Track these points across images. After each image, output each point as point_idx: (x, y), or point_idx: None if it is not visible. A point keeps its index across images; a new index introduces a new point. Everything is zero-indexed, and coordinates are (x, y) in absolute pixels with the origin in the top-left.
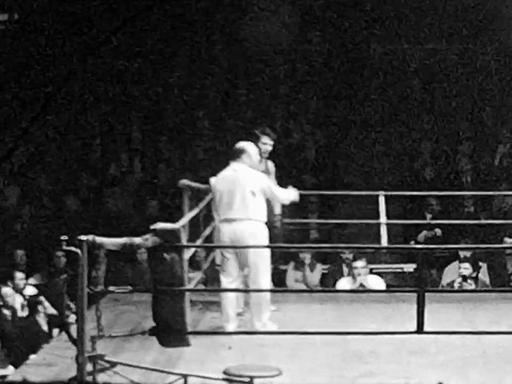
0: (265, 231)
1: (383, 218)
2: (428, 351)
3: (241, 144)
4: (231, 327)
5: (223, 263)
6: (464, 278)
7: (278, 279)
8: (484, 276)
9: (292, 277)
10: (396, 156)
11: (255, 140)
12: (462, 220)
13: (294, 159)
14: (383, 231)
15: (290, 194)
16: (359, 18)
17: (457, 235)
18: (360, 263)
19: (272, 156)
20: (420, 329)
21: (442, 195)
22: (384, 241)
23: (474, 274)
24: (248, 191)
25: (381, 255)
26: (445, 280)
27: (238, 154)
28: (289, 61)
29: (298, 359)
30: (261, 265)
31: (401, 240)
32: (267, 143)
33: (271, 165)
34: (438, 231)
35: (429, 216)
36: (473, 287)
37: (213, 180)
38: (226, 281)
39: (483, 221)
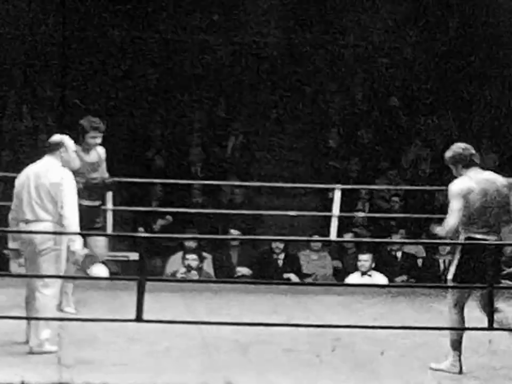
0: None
1: (110, 205)
2: (147, 339)
3: (58, 137)
4: None
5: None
6: (189, 268)
7: (3, 263)
8: (208, 267)
9: (16, 262)
10: (128, 143)
11: (82, 133)
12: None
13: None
14: (109, 218)
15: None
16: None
17: (184, 225)
18: (84, 251)
19: None
20: (139, 317)
21: (171, 183)
22: (109, 229)
23: (199, 265)
24: (48, 190)
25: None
26: (169, 270)
27: (53, 148)
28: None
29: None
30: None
31: (129, 228)
32: (96, 137)
33: (102, 151)
34: (170, 218)
35: (155, 204)
36: (197, 277)
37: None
38: None
39: (211, 211)
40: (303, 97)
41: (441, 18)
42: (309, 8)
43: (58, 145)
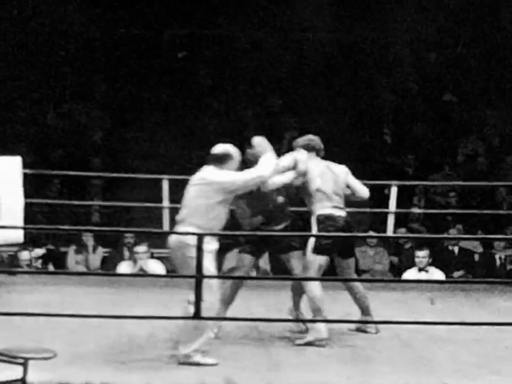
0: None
1: (166, 203)
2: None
3: (223, 149)
4: None
5: None
6: None
7: (59, 261)
8: (264, 263)
9: (73, 259)
10: (183, 140)
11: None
12: None
13: (81, 141)
14: (166, 215)
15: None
16: None
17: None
18: (141, 248)
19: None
20: (197, 314)
21: None
22: (166, 226)
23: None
24: (198, 192)
25: (162, 240)
26: (226, 267)
27: (218, 161)
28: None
29: (74, 342)
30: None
31: None
32: None
33: None
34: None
35: None
36: (254, 274)
37: None
38: None
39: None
40: (357, 92)
41: (494, 11)
42: (359, 3)
43: (222, 158)
